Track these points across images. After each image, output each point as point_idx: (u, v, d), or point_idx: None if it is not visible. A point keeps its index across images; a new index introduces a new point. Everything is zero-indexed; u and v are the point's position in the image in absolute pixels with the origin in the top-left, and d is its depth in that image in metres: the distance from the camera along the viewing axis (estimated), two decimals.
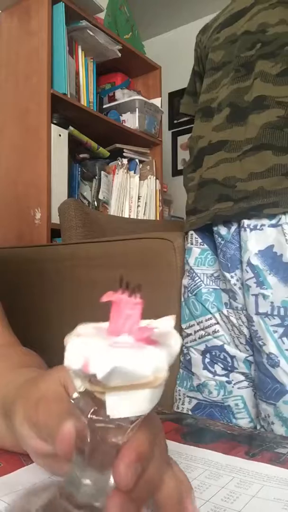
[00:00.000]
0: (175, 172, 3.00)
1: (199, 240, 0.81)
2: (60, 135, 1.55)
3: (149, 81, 2.17)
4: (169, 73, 2.44)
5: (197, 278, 0.80)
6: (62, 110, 1.58)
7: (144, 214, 1.90)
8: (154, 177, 1.97)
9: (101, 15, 1.90)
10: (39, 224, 1.50)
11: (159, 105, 2.07)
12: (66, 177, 1.58)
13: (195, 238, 0.81)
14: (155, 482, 0.24)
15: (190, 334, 0.80)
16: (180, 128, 3.02)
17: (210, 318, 0.77)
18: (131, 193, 1.87)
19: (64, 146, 1.57)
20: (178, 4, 2.83)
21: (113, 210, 1.79)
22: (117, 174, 1.82)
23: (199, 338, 0.79)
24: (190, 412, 0.80)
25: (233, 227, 0.73)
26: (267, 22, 0.77)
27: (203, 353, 0.78)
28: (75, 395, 0.24)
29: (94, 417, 0.23)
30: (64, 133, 1.57)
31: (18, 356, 0.47)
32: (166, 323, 0.25)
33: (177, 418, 0.50)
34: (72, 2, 1.60)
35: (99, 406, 0.22)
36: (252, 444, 0.41)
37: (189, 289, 0.81)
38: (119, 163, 1.84)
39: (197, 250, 0.81)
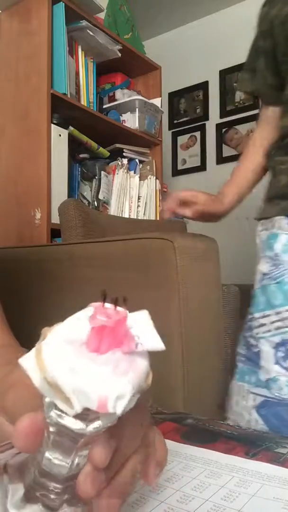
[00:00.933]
0: (175, 172, 3.00)
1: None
2: (60, 135, 1.55)
3: (149, 81, 2.17)
4: (169, 73, 2.44)
5: (282, 266, 0.75)
6: (62, 110, 1.58)
7: (144, 214, 1.90)
8: (154, 177, 1.97)
9: (101, 15, 1.90)
10: (39, 224, 1.50)
11: (159, 105, 2.07)
12: (66, 177, 1.58)
13: (286, 224, 0.76)
14: (127, 452, 0.24)
15: (264, 324, 0.74)
16: (180, 128, 3.02)
17: None
18: (131, 193, 1.87)
19: (64, 146, 1.57)
20: (178, 4, 2.83)
21: (113, 210, 1.79)
22: (117, 174, 1.82)
23: (275, 329, 0.73)
24: (253, 410, 0.74)
25: None
26: None
27: (277, 346, 0.72)
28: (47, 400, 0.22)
29: (56, 420, 0.22)
30: (64, 133, 1.57)
31: (12, 355, 0.47)
32: (142, 319, 0.23)
33: (177, 418, 0.50)
34: (72, 2, 1.60)
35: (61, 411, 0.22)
36: (252, 444, 0.42)
37: (270, 276, 0.76)
38: (119, 163, 1.84)
39: (285, 237, 0.76)
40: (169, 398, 0.83)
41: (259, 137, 0.96)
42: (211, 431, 0.45)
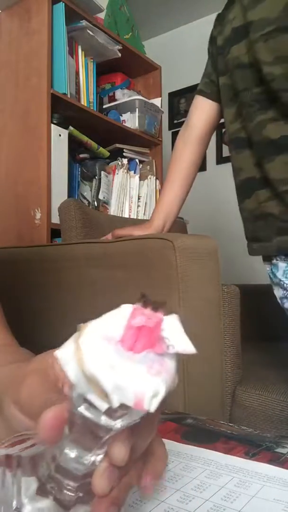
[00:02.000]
0: None
1: (283, 257, 0.87)
2: (60, 135, 1.55)
3: (149, 81, 2.17)
4: (169, 73, 2.44)
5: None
6: (62, 110, 1.58)
7: (144, 214, 1.90)
8: (154, 177, 1.97)
9: (101, 15, 1.90)
10: (39, 224, 1.50)
11: (159, 105, 2.07)
12: (66, 177, 1.58)
13: (281, 256, 0.87)
14: (140, 451, 0.25)
15: None
16: (180, 128, 3.02)
17: None
18: (131, 193, 1.87)
19: (64, 146, 1.57)
20: (178, 4, 2.83)
21: (113, 210, 1.79)
22: (117, 174, 1.82)
23: None
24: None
25: None
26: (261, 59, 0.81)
27: None
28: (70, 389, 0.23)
29: (84, 413, 0.22)
30: (64, 133, 1.57)
31: (11, 354, 0.47)
32: (172, 326, 0.24)
33: (177, 418, 0.50)
34: (72, 2, 1.60)
35: (92, 405, 0.22)
36: (252, 444, 0.42)
37: (286, 297, 0.87)
38: (119, 163, 1.84)
39: (283, 265, 0.87)
40: (169, 398, 0.82)
41: (181, 150, 1.09)
42: (211, 431, 0.45)
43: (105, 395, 0.21)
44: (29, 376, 0.29)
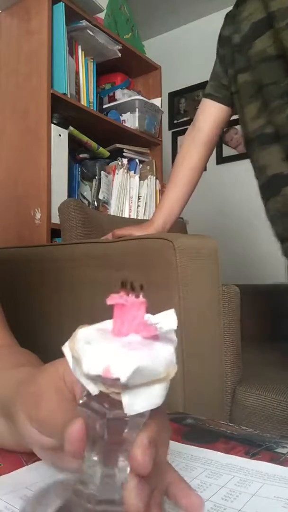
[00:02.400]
0: None
1: None
2: (60, 135, 1.55)
3: (149, 81, 2.17)
4: (169, 73, 2.44)
5: None
6: (62, 110, 1.58)
7: (144, 214, 1.90)
8: (154, 177, 1.97)
9: (101, 15, 1.90)
10: (39, 224, 1.50)
11: (159, 105, 2.07)
12: (66, 177, 1.58)
13: None
14: (164, 465, 0.25)
15: None
16: (180, 128, 3.02)
17: None
18: (131, 193, 1.87)
19: (64, 146, 1.57)
20: (178, 4, 2.83)
21: (113, 210, 1.79)
22: (117, 174, 1.82)
23: None
24: None
25: None
26: None
27: None
28: (83, 399, 0.24)
29: (111, 416, 0.23)
30: (64, 133, 1.57)
31: (13, 356, 0.47)
32: (168, 317, 0.26)
33: (177, 418, 0.50)
34: (72, 2, 1.60)
35: (114, 405, 0.23)
36: (252, 444, 0.42)
37: None
38: (119, 163, 1.84)
39: None
40: (169, 398, 0.82)
41: (186, 152, 1.07)
42: (211, 431, 0.45)
43: (87, 377, 0.23)
44: (45, 394, 0.29)
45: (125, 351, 0.22)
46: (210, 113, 1.02)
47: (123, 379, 0.21)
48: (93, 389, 0.23)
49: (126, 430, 0.24)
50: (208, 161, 1.08)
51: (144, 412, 0.24)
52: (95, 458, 0.24)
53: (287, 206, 0.83)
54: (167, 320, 0.25)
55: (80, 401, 0.25)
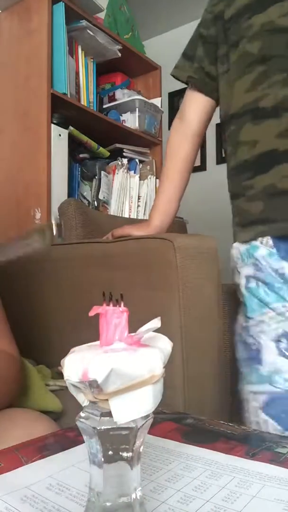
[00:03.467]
0: None
1: (270, 243, 0.77)
2: (60, 135, 1.55)
3: (149, 81, 2.17)
4: (169, 73, 2.44)
5: (265, 269, 0.76)
6: (62, 110, 1.58)
7: (144, 214, 1.90)
8: (154, 177, 1.97)
9: (101, 15, 1.90)
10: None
11: (159, 105, 2.07)
12: (66, 177, 1.58)
13: (268, 241, 0.78)
14: None
15: (262, 321, 0.75)
16: None
17: (285, 306, 0.73)
18: (131, 193, 1.87)
19: (64, 146, 1.57)
20: (178, 4, 2.83)
21: (113, 210, 1.79)
22: (117, 174, 1.82)
23: (275, 323, 0.74)
24: (260, 412, 0.72)
25: None
26: None
27: (279, 338, 0.73)
28: (81, 413, 0.25)
29: (103, 427, 0.23)
30: (64, 133, 1.57)
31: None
32: (153, 326, 0.26)
33: (177, 418, 0.50)
34: (72, 2, 1.60)
35: (106, 416, 0.24)
36: (252, 444, 0.41)
37: (256, 277, 0.77)
38: (119, 163, 1.84)
39: (264, 250, 0.77)
40: (169, 398, 0.83)
41: (177, 146, 1.04)
42: (211, 431, 0.45)
43: (79, 390, 0.24)
44: None
45: (103, 356, 0.23)
46: (197, 103, 0.98)
47: (99, 379, 0.22)
48: (82, 400, 0.24)
49: (122, 446, 0.24)
50: (198, 151, 1.06)
51: (138, 423, 0.24)
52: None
53: (278, 185, 0.76)
54: (153, 326, 0.26)
55: (78, 415, 0.25)
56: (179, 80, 1.02)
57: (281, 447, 0.40)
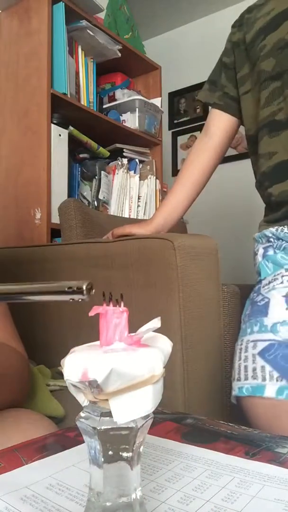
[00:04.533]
0: (175, 172, 3.00)
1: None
2: (60, 135, 1.55)
3: (149, 81, 2.17)
4: (169, 73, 2.44)
5: (283, 240, 0.84)
6: (62, 110, 1.58)
7: (144, 214, 1.90)
8: (154, 177, 1.97)
9: (101, 15, 1.90)
10: (39, 224, 1.50)
11: (159, 105, 2.07)
12: (66, 177, 1.58)
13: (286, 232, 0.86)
14: None
15: (276, 279, 0.82)
16: (180, 128, 3.02)
17: None
18: (131, 193, 1.87)
19: (64, 146, 1.57)
20: (178, 4, 2.83)
21: (113, 210, 1.79)
22: (117, 174, 1.82)
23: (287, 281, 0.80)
24: (257, 356, 0.76)
25: None
26: None
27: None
28: (81, 413, 0.25)
29: (103, 427, 0.23)
30: (64, 133, 1.57)
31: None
32: (153, 326, 0.26)
33: (177, 418, 0.50)
34: (72, 2, 1.60)
35: (106, 416, 0.24)
36: (252, 444, 0.41)
37: (273, 245, 0.86)
38: (119, 163, 1.84)
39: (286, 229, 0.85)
40: (169, 398, 0.83)
41: (196, 155, 1.06)
42: (211, 431, 0.45)
43: (79, 390, 0.24)
44: None
45: (102, 356, 0.23)
46: (220, 121, 1.03)
47: (99, 380, 0.22)
48: (82, 400, 0.24)
49: (122, 446, 0.24)
50: (215, 169, 1.07)
51: (138, 422, 0.24)
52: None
53: None
54: (152, 326, 0.26)
55: (78, 415, 0.25)
56: (205, 103, 1.09)
57: (281, 447, 0.40)
